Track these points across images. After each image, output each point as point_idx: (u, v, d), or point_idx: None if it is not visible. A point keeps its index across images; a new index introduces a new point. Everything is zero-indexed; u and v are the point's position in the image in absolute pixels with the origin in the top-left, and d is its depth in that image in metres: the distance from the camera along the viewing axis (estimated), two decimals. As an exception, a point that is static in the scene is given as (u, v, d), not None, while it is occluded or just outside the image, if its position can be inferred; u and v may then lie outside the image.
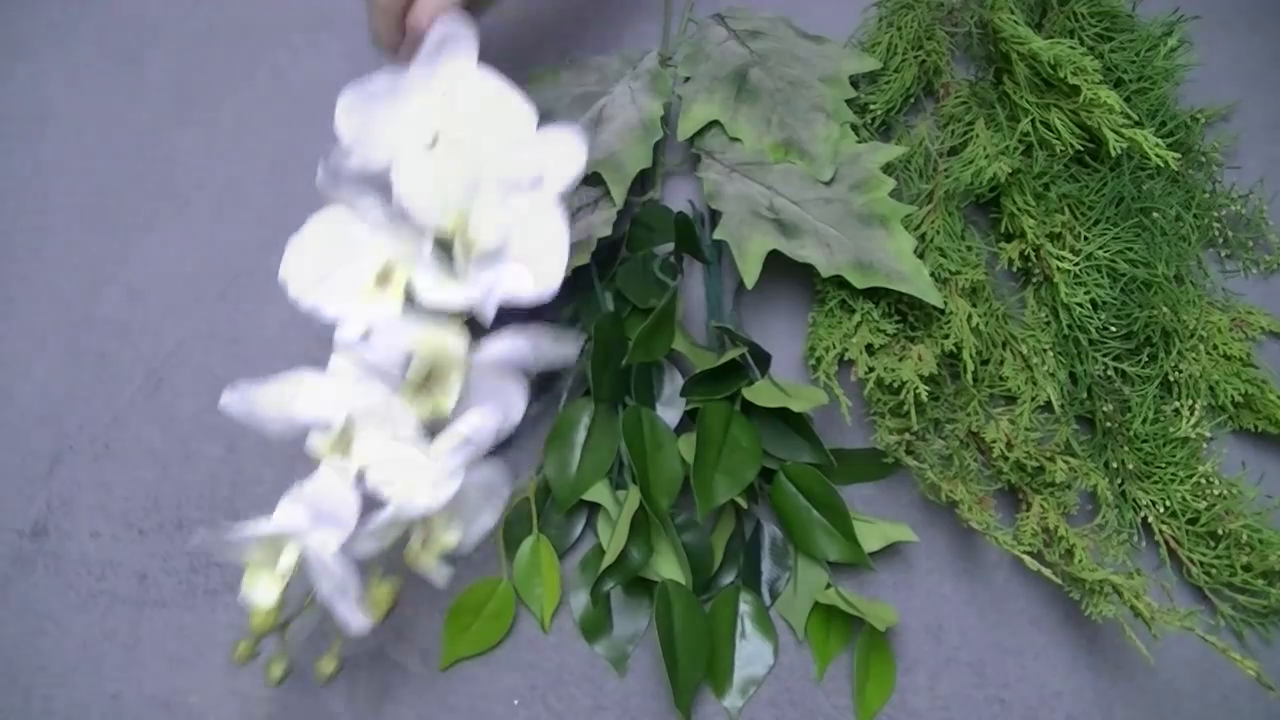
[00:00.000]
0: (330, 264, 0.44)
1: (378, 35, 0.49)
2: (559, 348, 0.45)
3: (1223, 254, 0.59)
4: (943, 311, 0.53)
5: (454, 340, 0.43)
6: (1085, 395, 0.53)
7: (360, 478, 0.43)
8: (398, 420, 0.43)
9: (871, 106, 0.59)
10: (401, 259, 0.43)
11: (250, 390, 0.42)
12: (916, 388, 0.50)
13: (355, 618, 0.41)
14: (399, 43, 0.49)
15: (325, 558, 0.41)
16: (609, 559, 0.48)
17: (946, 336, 0.52)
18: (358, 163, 0.44)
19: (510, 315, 0.46)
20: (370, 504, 0.43)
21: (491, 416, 0.43)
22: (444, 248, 0.45)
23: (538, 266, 0.45)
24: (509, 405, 0.45)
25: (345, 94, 0.44)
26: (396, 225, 0.43)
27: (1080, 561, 0.47)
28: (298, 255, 0.45)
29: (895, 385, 0.51)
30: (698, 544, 0.50)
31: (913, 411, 0.50)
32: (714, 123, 0.58)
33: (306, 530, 0.41)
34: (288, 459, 0.51)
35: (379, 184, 0.44)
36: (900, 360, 0.52)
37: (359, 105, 0.44)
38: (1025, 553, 0.48)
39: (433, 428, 0.45)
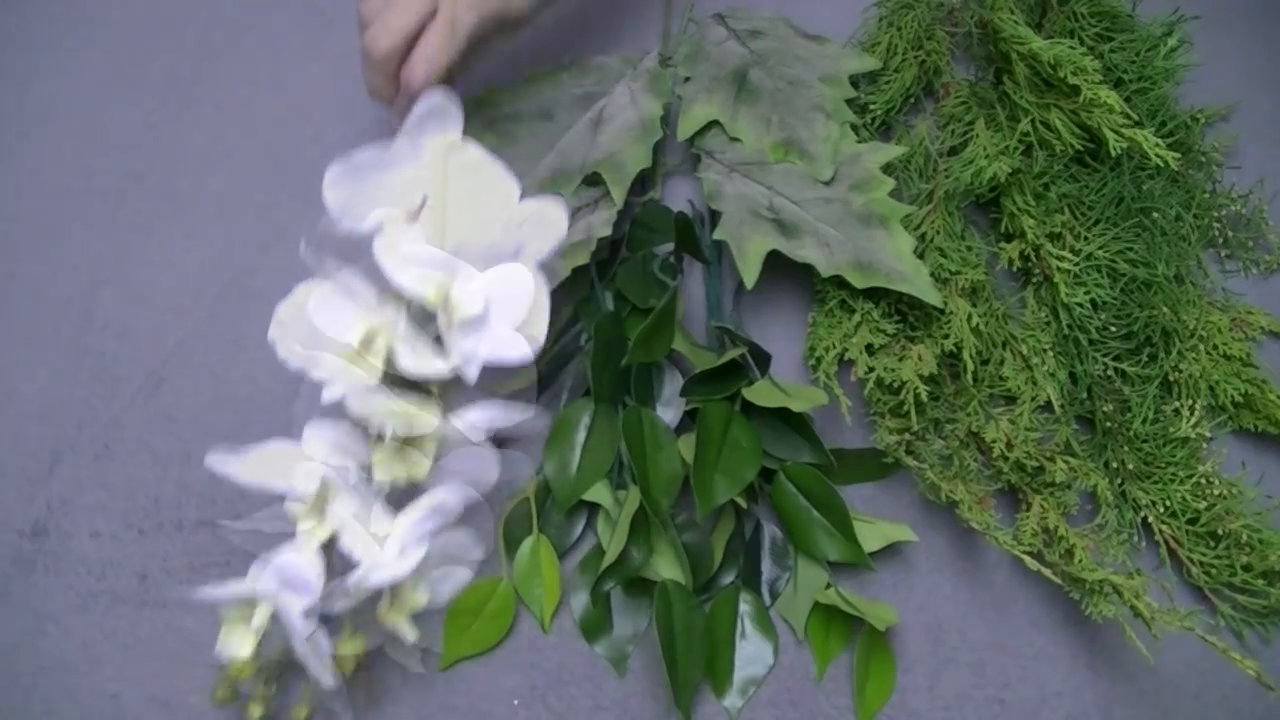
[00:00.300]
0: (317, 329, 0.46)
1: (373, 89, 0.51)
2: (528, 420, 0.48)
3: (1223, 254, 0.59)
4: (943, 311, 0.53)
5: (428, 415, 0.45)
6: (1085, 395, 0.53)
7: (334, 541, 0.45)
8: (369, 489, 0.45)
9: (871, 106, 0.59)
10: (384, 327, 0.45)
11: (230, 459, 0.44)
12: (916, 388, 0.50)
13: (324, 674, 0.44)
14: (394, 97, 0.50)
15: (293, 618, 0.43)
16: (609, 559, 0.48)
17: (946, 336, 0.52)
18: (345, 232, 0.46)
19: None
20: (346, 564, 0.45)
21: (458, 491, 0.46)
22: (429, 313, 0.46)
23: (520, 332, 0.46)
24: (481, 470, 0.47)
25: (332, 167, 0.45)
26: (380, 294, 0.45)
27: (1080, 561, 0.47)
28: (285, 319, 0.46)
29: (895, 385, 0.51)
30: (697, 544, 0.50)
31: (913, 411, 0.50)
32: (714, 122, 0.58)
33: (275, 593, 0.44)
34: (288, 459, 0.51)
35: (366, 251, 0.46)
36: (900, 360, 0.52)
37: (345, 178, 0.46)
38: (1025, 553, 0.48)
39: (409, 490, 0.46)
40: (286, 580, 0.45)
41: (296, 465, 0.45)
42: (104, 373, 0.56)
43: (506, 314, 0.47)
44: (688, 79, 0.60)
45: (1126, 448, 0.52)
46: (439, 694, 0.49)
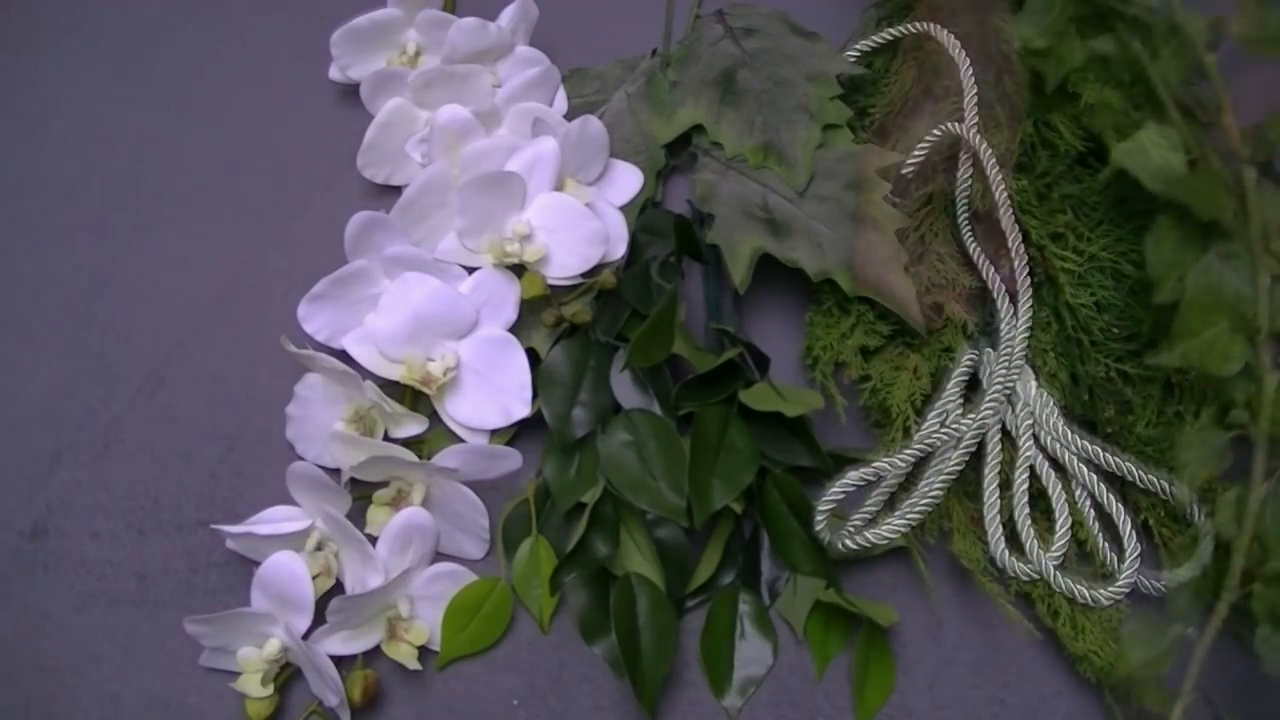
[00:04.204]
0: (323, 417, 0.52)
1: None
2: (502, 464, 0.51)
3: (1224, 254, 0.59)
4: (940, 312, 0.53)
5: (418, 476, 0.50)
6: (1087, 396, 0.53)
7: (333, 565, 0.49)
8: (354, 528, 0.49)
9: (870, 109, 0.59)
10: (369, 405, 0.51)
11: (239, 533, 0.49)
12: (906, 418, 0.50)
13: (331, 699, 0.46)
14: None
15: (296, 638, 0.46)
16: (567, 549, 0.48)
17: (948, 350, 0.52)
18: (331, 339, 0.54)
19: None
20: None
21: (428, 529, 0.50)
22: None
23: (503, 391, 0.52)
24: (460, 509, 0.51)
25: (302, 305, 0.53)
26: (359, 381, 0.50)
27: (1063, 625, 0.48)
28: (297, 416, 0.53)
29: (887, 407, 0.51)
30: (676, 541, 0.50)
31: (899, 437, 0.50)
32: (703, 123, 0.58)
33: (273, 611, 0.47)
34: (287, 459, 0.51)
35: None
36: (896, 370, 0.51)
37: (315, 308, 0.53)
38: (1008, 601, 0.49)
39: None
40: (277, 598, 0.47)
41: (289, 520, 0.50)
42: (104, 373, 0.56)
43: (488, 375, 0.53)
44: (674, 83, 0.60)
45: (1128, 451, 0.52)
46: (438, 694, 0.50)
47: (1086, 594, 0.48)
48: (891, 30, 0.59)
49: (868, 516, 0.50)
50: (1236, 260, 0.48)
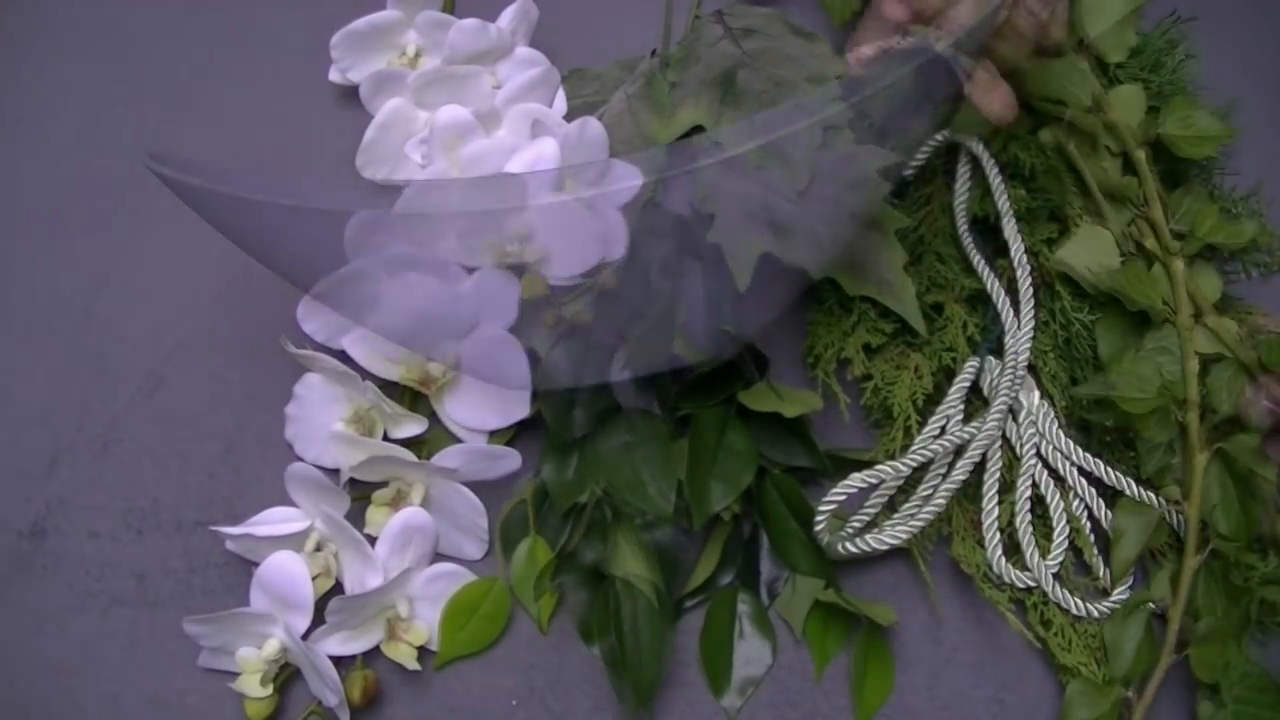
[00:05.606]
0: (322, 418, 0.52)
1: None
2: (501, 464, 0.51)
3: (1224, 254, 0.59)
4: (941, 313, 0.53)
5: (417, 476, 0.50)
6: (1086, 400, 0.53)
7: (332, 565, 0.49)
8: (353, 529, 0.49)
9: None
10: (369, 405, 0.51)
11: (238, 534, 0.49)
12: (908, 417, 0.50)
13: (330, 698, 0.46)
14: None
15: (296, 638, 0.46)
16: (556, 551, 0.48)
17: (949, 349, 0.52)
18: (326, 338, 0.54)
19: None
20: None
21: (428, 530, 0.50)
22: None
23: (503, 391, 0.52)
24: (459, 510, 0.51)
25: (301, 305, 0.53)
26: (358, 381, 0.51)
27: (1056, 636, 0.49)
28: (296, 416, 0.53)
29: (889, 406, 0.51)
30: (671, 543, 0.50)
31: (899, 437, 0.50)
32: (704, 123, 0.58)
33: (272, 611, 0.47)
34: (287, 459, 0.51)
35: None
36: (898, 369, 0.51)
37: (315, 309, 0.53)
38: (1008, 610, 0.49)
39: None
40: (277, 597, 0.47)
41: (289, 520, 0.50)
42: (103, 373, 0.56)
43: (488, 375, 0.52)
44: (674, 84, 0.59)
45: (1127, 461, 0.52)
46: (437, 694, 0.50)
47: (1081, 605, 0.48)
48: (891, 32, 0.59)
49: (866, 519, 0.50)
50: (1169, 344, 0.50)
